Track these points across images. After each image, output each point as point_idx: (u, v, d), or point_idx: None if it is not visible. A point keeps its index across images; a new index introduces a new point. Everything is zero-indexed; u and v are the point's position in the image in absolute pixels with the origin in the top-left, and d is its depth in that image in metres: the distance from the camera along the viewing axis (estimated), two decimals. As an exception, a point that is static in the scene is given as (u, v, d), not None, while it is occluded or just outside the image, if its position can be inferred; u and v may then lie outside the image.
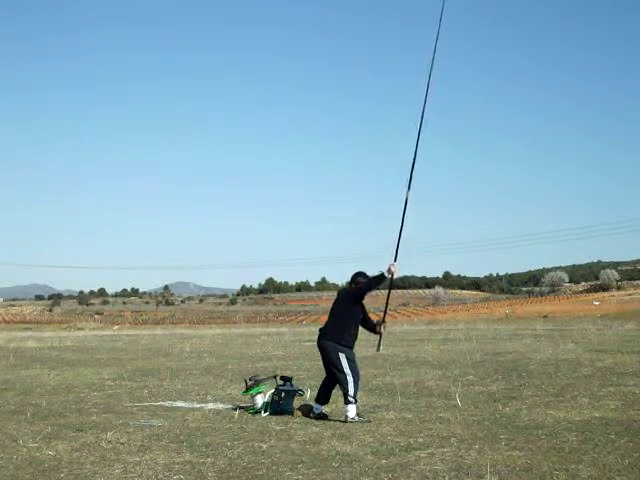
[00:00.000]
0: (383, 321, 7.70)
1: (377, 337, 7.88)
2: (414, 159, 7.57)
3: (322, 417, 7.48)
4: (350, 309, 7.44)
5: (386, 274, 7.27)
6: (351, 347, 7.42)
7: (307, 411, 7.64)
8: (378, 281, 7.33)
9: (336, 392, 7.61)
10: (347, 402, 7.22)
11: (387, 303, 7.80)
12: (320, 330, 7.62)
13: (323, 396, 7.64)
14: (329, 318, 7.57)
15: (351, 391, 7.21)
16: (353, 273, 7.64)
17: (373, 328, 7.69)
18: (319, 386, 7.79)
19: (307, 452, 5.81)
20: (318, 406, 7.62)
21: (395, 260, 7.36)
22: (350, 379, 7.24)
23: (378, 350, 7.98)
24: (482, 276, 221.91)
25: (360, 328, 7.60)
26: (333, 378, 7.50)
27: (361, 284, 7.45)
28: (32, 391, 10.22)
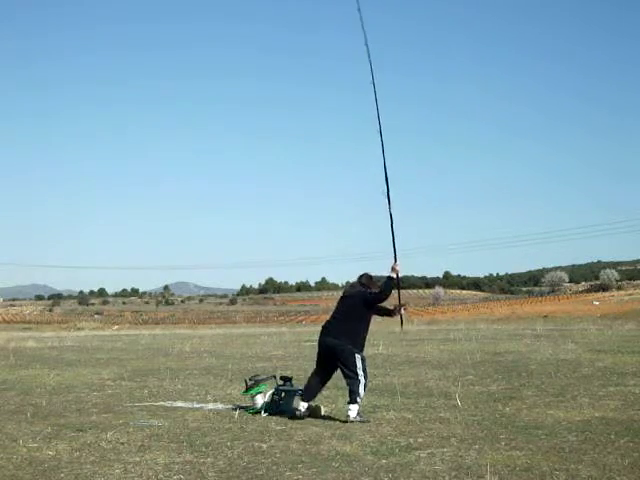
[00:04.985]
0: (400, 306, 7.71)
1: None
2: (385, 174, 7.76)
3: (311, 414, 7.42)
4: (364, 315, 7.44)
5: (392, 275, 7.37)
6: (362, 350, 7.45)
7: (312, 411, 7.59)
8: (390, 286, 7.38)
9: (336, 392, 7.61)
10: (354, 402, 7.18)
11: (399, 292, 7.74)
12: (325, 328, 7.55)
13: (311, 393, 7.53)
14: (339, 317, 7.49)
15: (361, 393, 7.23)
16: (360, 275, 7.68)
17: (389, 313, 7.72)
18: (305, 383, 7.69)
19: (307, 452, 5.81)
20: (303, 404, 7.51)
21: (395, 260, 7.50)
22: (363, 381, 7.24)
23: (401, 328, 7.97)
24: (482, 276, 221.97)
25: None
26: (325, 377, 7.53)
27: (379, 294, 7.43)
28: (32, 391, 10.21)
